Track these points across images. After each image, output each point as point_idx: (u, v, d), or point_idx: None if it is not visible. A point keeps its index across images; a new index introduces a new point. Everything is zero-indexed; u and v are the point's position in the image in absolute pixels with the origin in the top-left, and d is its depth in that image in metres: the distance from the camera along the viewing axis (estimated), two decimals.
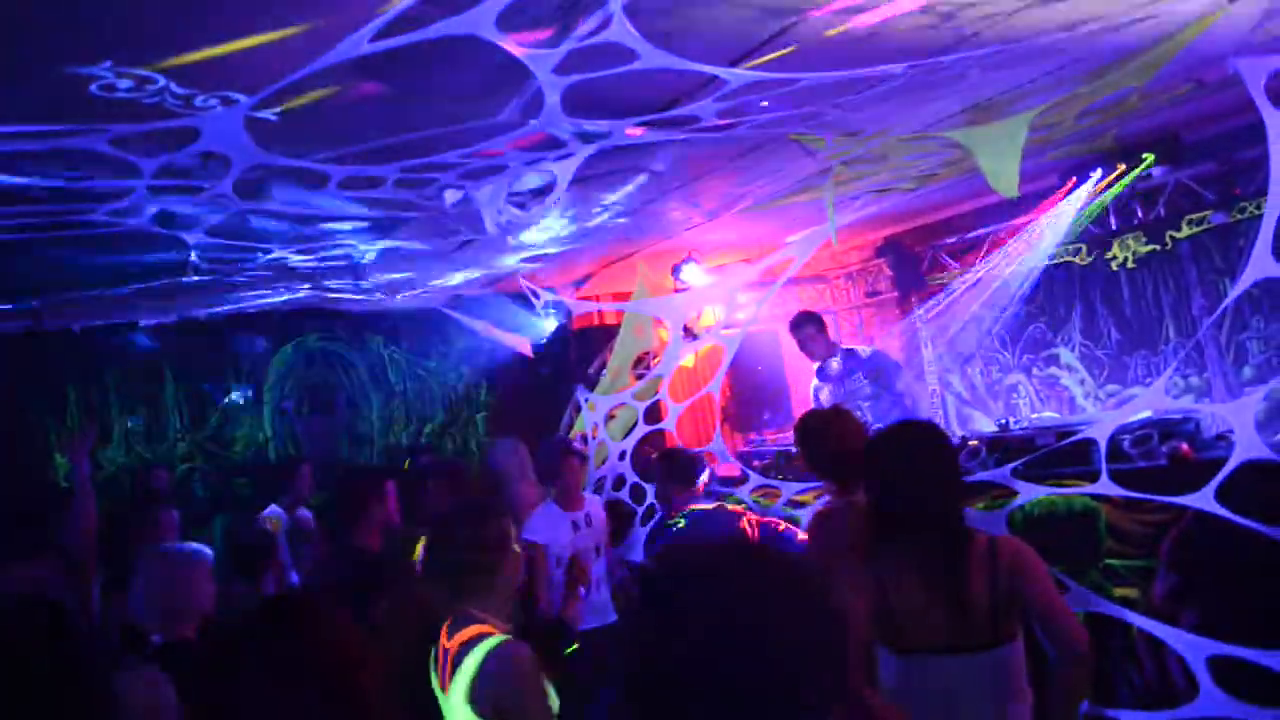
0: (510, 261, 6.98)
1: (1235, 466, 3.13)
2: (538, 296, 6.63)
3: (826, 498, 4.69)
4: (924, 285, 8.47)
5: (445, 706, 2.49)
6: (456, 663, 2.44)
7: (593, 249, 7.00)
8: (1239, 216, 6.19)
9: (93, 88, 2.72)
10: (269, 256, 5.02)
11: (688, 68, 2.88)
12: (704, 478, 4.56)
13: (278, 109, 2.95)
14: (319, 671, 1.82)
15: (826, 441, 3.56)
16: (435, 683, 2.54)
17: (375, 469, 6.99)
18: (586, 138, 3.58)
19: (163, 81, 2.72)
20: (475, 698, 2.36)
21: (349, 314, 8.04)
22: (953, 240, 8.26)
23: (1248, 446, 3.14)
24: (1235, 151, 6.04)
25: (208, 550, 3.03)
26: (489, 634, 2.46)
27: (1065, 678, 2.46)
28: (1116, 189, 6.26)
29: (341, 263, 5.62)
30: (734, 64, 3.23)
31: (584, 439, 6.45)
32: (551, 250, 6.73)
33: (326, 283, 6.05)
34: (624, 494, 5.76)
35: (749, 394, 8.79)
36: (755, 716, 1.15)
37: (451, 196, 3.88)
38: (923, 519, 2.59)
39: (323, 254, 5.17)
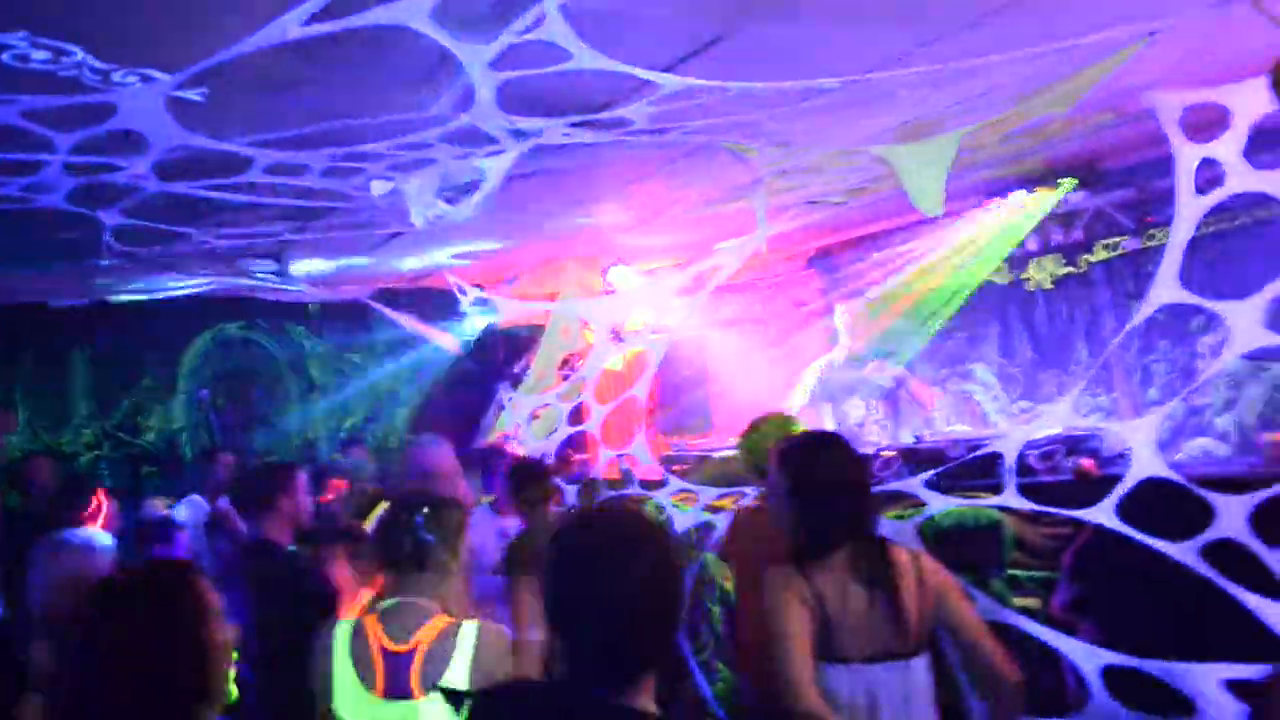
0: (440, 257, 6.93)
1: (1135, 484, 3.25)
2: (465, 293, 6.57)
3: (746, 499, 4.77)
4: (851, 298, 8.62)
5: (407, 713, 2.38)
6: (438, 659, 2.37)
7: (524, 247, 6.98)
8: (1150, 243, 6.45)
9: (4, 57, 2.64)
10: (188, 239, 4.91)
11: (621, 71, 2.90)
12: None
13: (202, 89, 2.89)
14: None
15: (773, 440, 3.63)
16: (372, 691, 2.41)
17: (287, 462, 6.86)
18: (520, 135, 3.57)
19: (80, 55, 2.64)
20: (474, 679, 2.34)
21: (271, 303, 7.88)
22: (881, 255, 8.41)
23: (1146, 464, 3.26)
24: (1150, 180, 6.27)
25: (106, 537, 2.95)
26: (458, 622, 2.43)
27: (1009, 708, 2.54)
28: (1037, 212, 6.46)
29: (264, 249, 5.51)
30: (669, 69, 3.27)
31: (506, 438, 6.43)
32: (483, 247, 6.70)
33: (248, 269, 5.93)
34: None
35: (675, 398, 8.84)
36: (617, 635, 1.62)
37: (379, 188, 3.84)
38: (851, 528, 2.64)
39: (245, 240, 5.06)
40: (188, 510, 5.76)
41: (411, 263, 7.04)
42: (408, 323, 6.72)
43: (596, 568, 1.64)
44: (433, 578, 2.52)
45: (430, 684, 2.35)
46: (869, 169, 5.08)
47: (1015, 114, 4.29)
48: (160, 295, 6.93)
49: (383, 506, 2.85)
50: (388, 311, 6.59)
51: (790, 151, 4.49)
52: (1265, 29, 3.44)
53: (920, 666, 2.60)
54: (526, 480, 4.29)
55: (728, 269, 5.93)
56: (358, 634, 2.46)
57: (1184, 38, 3.68)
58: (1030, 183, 6.32)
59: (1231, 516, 3.05)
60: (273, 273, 5.87)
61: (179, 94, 2.89)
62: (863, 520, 2.67)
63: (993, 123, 4.27)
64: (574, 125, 3.59)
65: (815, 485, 2.69)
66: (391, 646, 2.41)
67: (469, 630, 2.41)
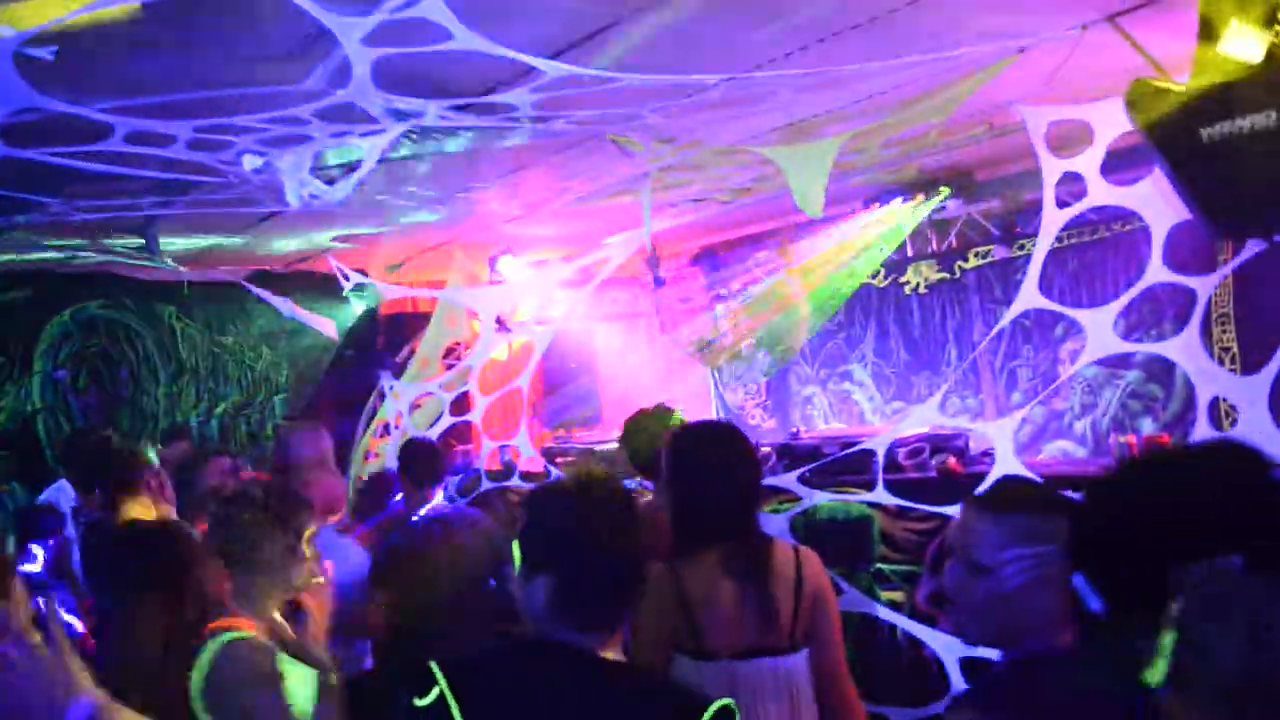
0: (321, 239, 6.72)
1: (995, 481, 3.36)
2: (347, 278, 6.38)
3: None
4: (735, 296, 8.72)
5: None
6: (195, 653, 2.27)
7: (409, 234, 6.84)
8: (1019, 252, 6.71)
9: None
10: (44, 210, 4.61)
11: (503, 55, 2.83)
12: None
13: (52, 47, 2.70)
14: None
15: (655, 439, 3.61)
16: None
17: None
18: (399, 115, 3.47)
19: None
20: (204, 696, 2.21)
21: (138, 281, 7.49)
22: (764, 254, 8.53)
23: (1006, 463, 3.38)
24: (1021, 192, 6.51)
25: None
26: (229, 629, 2.31)
27: None
28: (915, 218, 6.64)
29: (129, 224, 5.23)
30: (555, 56, 3.22)
31: (386, 428, 6.28)
32: (366, 231, 6.52)
33: (110, 244, 5.62)
34: None
35: (560, 390, 8.80)
36: None
37: (251, 163, 3.68)
38: (730, 523, 2.59)
39: (107, 213, 4.79)
40: (60, 496, 5.45)
41: (290, 244, 6.81)
42: (286, 306, 6.47)
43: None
44: (238, 578, 2.42)
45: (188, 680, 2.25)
46: (753, 169, 5.13)
47: (894, 122, 4.39)
48: (15, 268, 6.53)
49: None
50: (264, 294, 6.35)
51: (675, 147, 4.49)
52: (1126, 51, 3.60)
53: (795, 664, 2.56)
54: (415, 458, 4.19)
55: (614, 263, 5.92)
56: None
57: (1052, 57, 3.82)
58: (909, 190, 6.49)
59: None
60: (139, 249, 5.58)
61: (26, 50, 2.70)
62: (740, 517, 2.62)
63: (873, 129, 4.36)
64: (455, 108, 3.50)
65: (694, 478, 2.65)
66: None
67: (219, 640, 2.28)
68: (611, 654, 1.78)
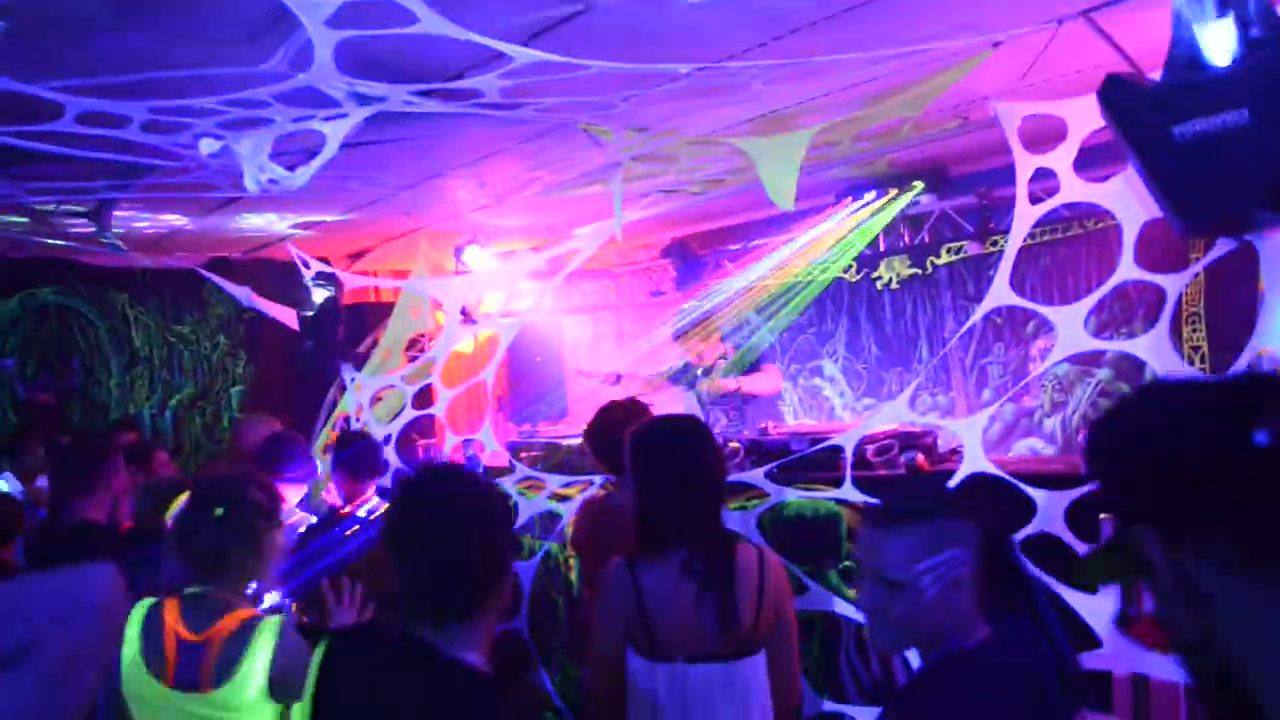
0: (281, 226, 6.65)
1: (963, 479, 3.39)
2: (308, 266, 6.32)
3: (594, 488, 4.76)
4: (706, 288, 8.74)
5: (195, 708, 2.27)
6: (233, 653, 2.26)
7: (373, 222, 6.78)
8: (991, 249, 6.77)
9: None
10: None
11: (469, 39, 2.81)
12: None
13: (2, 23, 2.65)
14: None
15: (623, 434, 3.62)
16: (160, 679, 2.29)
17: (103, 436, 6.45)
18: (363, 99, 3.43)
19: None
20: (276, 684, 2.25)
21: (91, 268, 7.37)
22: (736, 247, 8.55)
23: (974, 461, 3.42)
24: (994, 188, 6.56)
25: None
26: (260, 616, 2.35)
27: None
28: (888, 213, 6.68)
29: (82, 207, 5.14)
30: (525, 42, 3.20)
31: (347, 421, 6.23)
32: (327, 218, 6.46)
33: (62, 227, 5.53)
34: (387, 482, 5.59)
35: (526, 384, 8.77)
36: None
37: (208, 147, 3.63)
38: (693, 523, 2.59)
39: (59, 196, 4.71)
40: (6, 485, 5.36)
41: (249, 231, 6.73)
42: (244, 295, 6.40)
43: (433, 504, 1.86)
44: (234, 574, 2.42)
45: (222, 678, 2.24)
46: (725, 160, 5.13)
47: (867, 115, 4.41)
48: None
49: (183, 498, 2.69)
50: (222, 282, 6.27)
51: (646, 136, 4.49)
52: (1101, 47, 3.64)
53: (748, 668, 2.57)
54: (352, 452, 4.14)
55: (584, 254, 5.92)
56: (152, 618, 2.33)
57: (1027, 51, 3.86)
58: (882, 184, 6.52)
59: (1050, 512, 3.22)
60: (92, 234, 5.49)
61: None
62: (703, 517, 2.62)
63: (845, 121, 4.38)
64: (420, 93, 3.47)
65: (656, 476, 2.64)
66: (187, 635, 2.30)
67: (270, 626, 2.31)
68: (475, 657, 1.78)
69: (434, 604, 1.79)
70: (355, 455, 4.13)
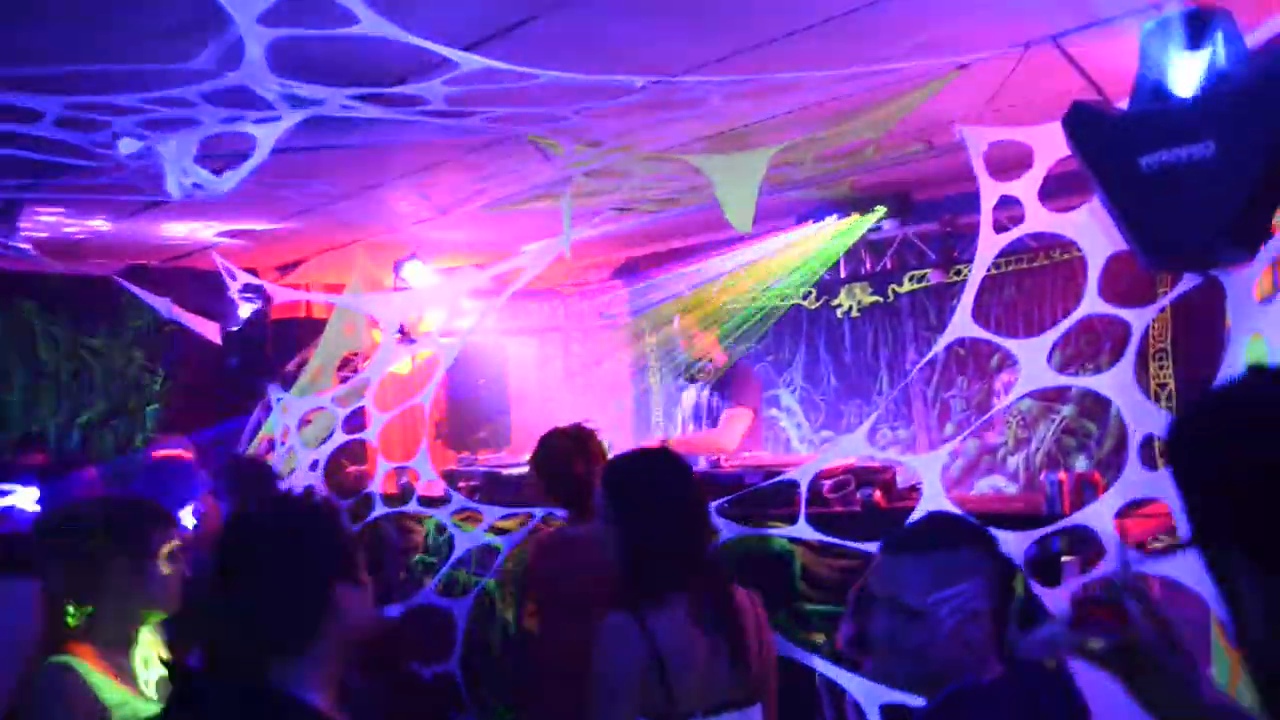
0: (206, 233, 6.56)
1: (920, 517, 3.42)
2: (234, 278, 6.24)
3: (536, 520, 4.72)
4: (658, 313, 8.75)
5: None
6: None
7: (306, 232, 6.72)
8: (955, 278, 6.86)
9: None
10: None
11: (412, 43, 2.81)
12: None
13: None
14: None
15: (573, 463, 3.59)
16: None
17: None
18: (297, 102, 3.41)
19: None
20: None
21: None
22: (688, 270, 8.58)
23: (932, 498, 3.45)
24: (959, 215, 6.66)
25: None
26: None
27: None
28: (848, 238, 6.76)
29: None
30: (470, 48, 3.20)
31: (271, 444, 6.14)
32: (257, 226, 6.39)
33: None
34: None
35: (467, 409, 8.70)
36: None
37: (128, 147, 3.57)
38: (693, 564, 2.54)
39: None
40: None
41: (170, 238, 6.62)
42: (163, 306, 6.30)
43: (257, 531, 1.92)
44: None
45: None
46: (681, 178, 5.17)
47: (830, 135, 4.47)
48: None
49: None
50: (139, 292, 6.17)
51: (598, 151, 4.51)
52: (1069, 73, 3.73)
53: (756, 714, 2.56)
54: (241, 478, 4.09)
55: (530, 272, 5.91)
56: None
57: (994, 75, 3.94)
58: (843, 208, 6.60)
59: (1012, 552, 3.25)
60: None
61: None
62: (701, 556, 2.57)
63: (807, 141, 4.43)
64: (360, 98, 3.45)
65: (649, 515, 2.55)
66: None
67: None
68: (313, 695, 1.79)
69: (263, 639, 1.79)
70: (245, 481, 4.11)
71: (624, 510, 2.61)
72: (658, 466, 2.73)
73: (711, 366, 5.82)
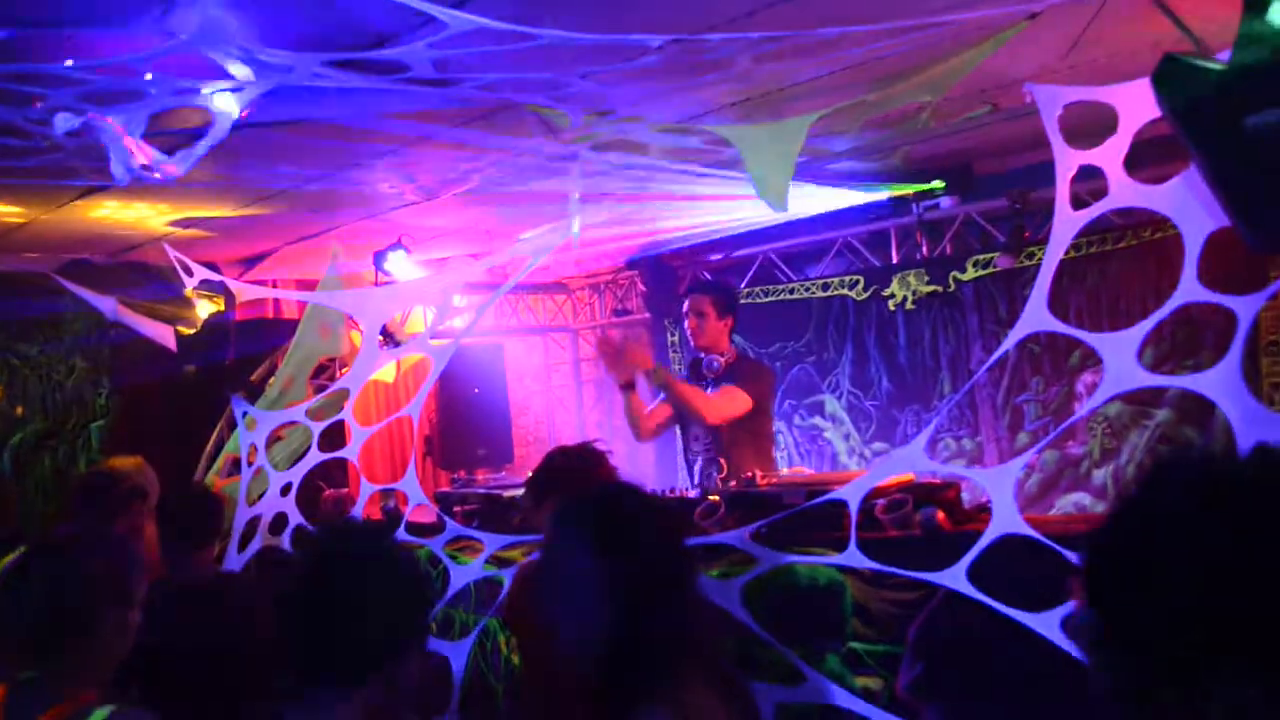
0: (157, 223, 6.60)
1: (990, 541, 3.40)
2: (190, 273, 6.28)
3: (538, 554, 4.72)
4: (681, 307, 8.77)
5: None
6: None
7: (274, 219, 6.76)
8: (1026, 262, 6.84)
9: None
10: None
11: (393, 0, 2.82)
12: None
13: None
14: None
15: (577, 486, 3.57)
16: None
17: None
18: (261, 70, 3.43)
19: None
20: None
21: None
22: (718, 258, 8.60)
23: (1005, 520, 3.42)
24: (1030, 189, 6.63)
25: None
26: (85, 709, 2.33)
27: None
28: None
29: None
30: (460, 4, 3.21)
31: (236, 464, 6.17)
32: (216, 214, 6.43)
33: None
34: (284, 539, 5.53)
35: (461, 421, 8.73)
36: None
37: (65, 123, 3.60)
38: (689, 652, 2.20)
39: None
40: None
41: (116, 229, 6.67)
42: (109, 307, 6.35)
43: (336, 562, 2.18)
44: (67, 660, 2.43)
45: None
46: (706, 151, 5.17)
47: (877, 99, 4.47)
48: None
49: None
50: (81, 291, 6.22)
51: (610, 122, 4.52)
52: (1159, 20, 3.70)
53: None
54: (185, 512, 4.11)
55: (532, 263, 5.92)
56: None
57: (1071, 24, 3.92)
58: (893, 182, 6.60)
59: None
60: None
61: None
62: (701, 634, 2.27)
63: (851, 106, 4.43)
64: (333, 64, 3.47)
65: (637, 572, 2.19)
66: None
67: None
68: None
69: (317, 664, 2.04)
70: (190, 515, 4.16)
71: (599, 572, 2.20)
72: (640, 513, 2.36)
73: (720, 363, 5.76)
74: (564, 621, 2.21)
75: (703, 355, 5.83)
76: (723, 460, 5.47)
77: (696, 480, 5.81)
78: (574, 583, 2.20)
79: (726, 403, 5.56)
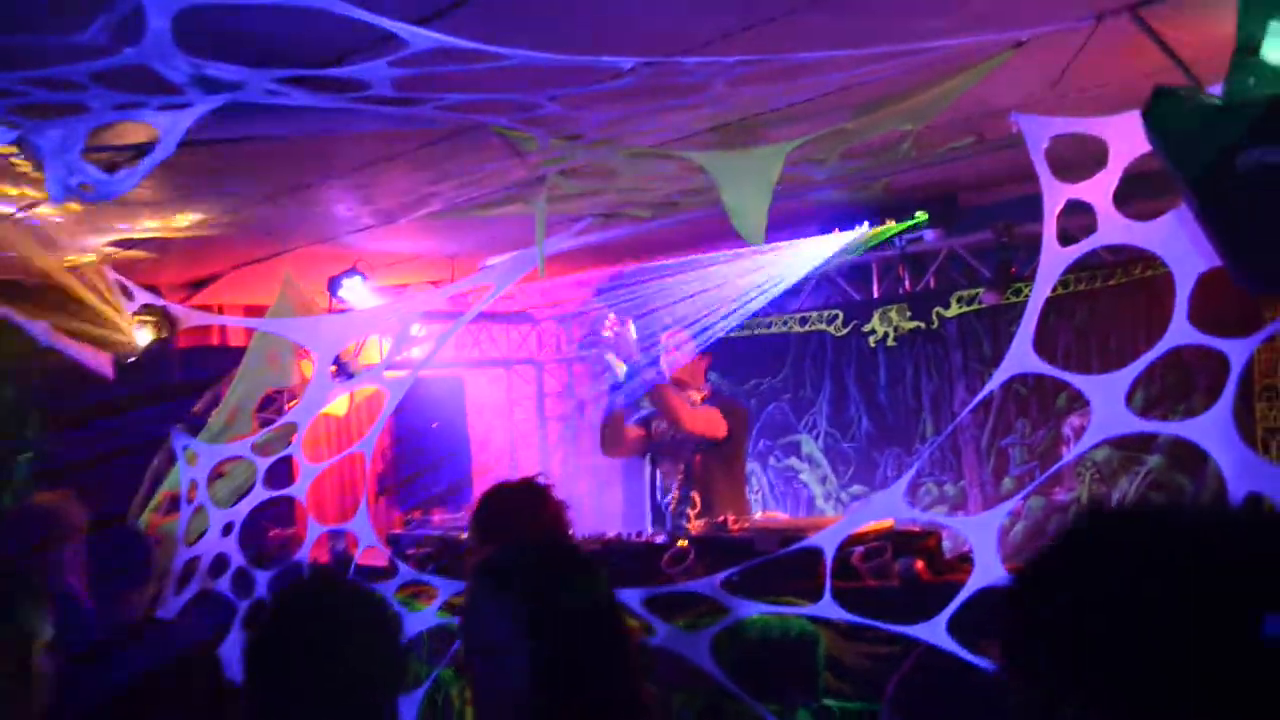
0: (96, 244, 6.55)
1: (972, 593, 3.41)
2: (131, 296, 6.23)
3: None
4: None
5: None
6: None
7: (221, 241, 6.72)
8: (1012, 299, 6.88)
9: None
10: None
11: (352, 15, 2.82)
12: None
13: None
14: None
15: (520, 525, 3.55)
16: None
17: None
18: (211, 86, 3.41)
19: None
20: None
21: None
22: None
23: (987, 571, 3.43)
24: (1016, 222, 6.69)
25: None
26: None
27: None
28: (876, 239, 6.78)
29: None
30: (423, 22, 3.22)
31: (174, 501, 6.10)
32: (159, 235, 6.39)
33: None
34: (224, 584, 5.47)
35: (417, 458, 8.70)
36: None
37: None
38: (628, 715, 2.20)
39: None
40: None
41: (52, 249, 6.61)
42: (40, 331, 6.28)
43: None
44: None
45: None
46: (679, 179, 5.19)
47: (858, 127, 4.50)
48: None
49: None
50: (12, 314, 6.15)
51: (579, 146, 4.53)
52: (1150, 51, 3.75)
53: None
54: (114, 553, 4.07)
55: (496, 291, 5.91)
56: None
57: (1059, 54, 3.97)
58: (875, 213, 6.64)
59: None
60: None
61: None
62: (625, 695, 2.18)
63: (831, 134, 4.45)
64: (286, 81, 3.46)
65: (573, 636, 2.12)
66: None
67: None
68: None
69: None
70: (118, 557, 4.12)
71: (527, 631, 2.11)
72: (577, 571, 2.27)
73: (697, 400, 5.85)
74: (485, 691, 2.23)
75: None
76: (695, 495, 5.52)
77: (667, 520, 5.83)
78: (494, 650, 2.15)
79: (704, 418, 5.78)
